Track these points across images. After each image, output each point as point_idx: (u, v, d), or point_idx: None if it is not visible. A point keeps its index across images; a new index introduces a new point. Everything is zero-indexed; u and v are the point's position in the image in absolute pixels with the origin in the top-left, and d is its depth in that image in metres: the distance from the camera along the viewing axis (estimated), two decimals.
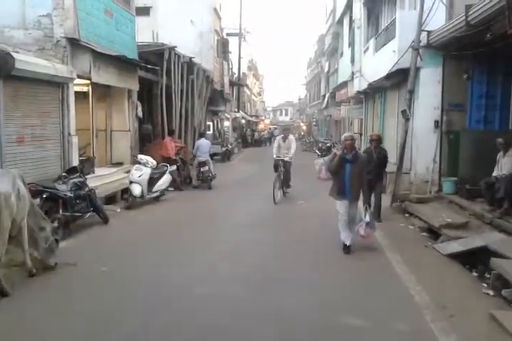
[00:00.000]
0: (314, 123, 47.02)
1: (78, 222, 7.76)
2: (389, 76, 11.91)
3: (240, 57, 33.33)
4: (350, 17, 20.71)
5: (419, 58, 10.10)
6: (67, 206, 7.29)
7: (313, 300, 4.93)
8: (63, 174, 7.90)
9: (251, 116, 49.04)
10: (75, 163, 9.06)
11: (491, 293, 5.14)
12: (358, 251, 6.69)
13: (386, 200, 9.59)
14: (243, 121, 40.57)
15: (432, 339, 4.08)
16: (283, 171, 10.82)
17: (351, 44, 19.81)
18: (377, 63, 13.97)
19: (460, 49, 9.39)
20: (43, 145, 8.45)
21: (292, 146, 11.31)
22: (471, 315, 4.57)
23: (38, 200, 6.50)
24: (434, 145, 10.35)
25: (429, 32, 9.97)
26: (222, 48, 27.15)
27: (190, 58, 16.62)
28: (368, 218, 6.81)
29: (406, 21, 11.09)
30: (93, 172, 10.03)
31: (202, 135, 14.69)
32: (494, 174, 7.97)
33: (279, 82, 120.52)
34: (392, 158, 10.35)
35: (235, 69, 33.80)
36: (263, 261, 6.30)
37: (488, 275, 5.57)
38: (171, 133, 14.00)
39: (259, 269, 5.92)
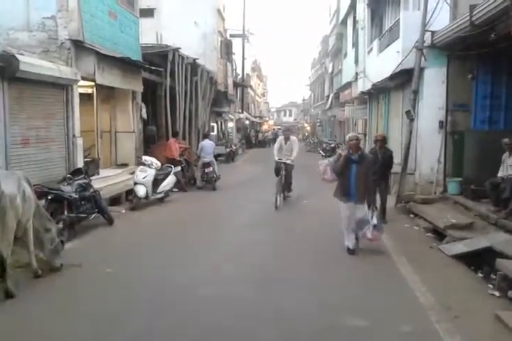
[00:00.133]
0: (318, 123, 47.00)
1: (83, 223, 7.78)
2: (393, 76, 11.88)
3: (243, 58, 33.38)
4: (354, 18, 20.68)
5: (423, 58, 10.08)
6: (72, 207, 7.32)
7: (316, 300, 4.92)
8: (68, 175, 7.94)
9: (255, 117, 49.05)
10: (80, 164, 9.09)
11: (497, 294, 5.12)
12: (363, 252, 6.66)
13: (391, 201, 9.56)
14: (247, 122, 40.60)
15: (437, 340, 4.06)
16: (284, 174, 10.40)
17: (355, 45, 19.79)
18: (381, 64, 13.95)
19: (464, 49, 9.35)
20: (47, 146, 8.48)
21: (295, 148, 10.84)
22: (477, 316, 4.55)
23: (43, 202, 6.54)
24: (439, 145, 10.31)
25: (433, 32, 9.95)
26: (226, 49, 27.18)
27: (194, 59, 16.67)
28: (374, 220, 6.56)
29: (410, 22, 11.07)
30: (98, 174, 10.05)
31: (206, 136, 14.71)
32: (500, 174, 7.94)
33: (282, 83, 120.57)
34: (397, 158, 10.31)
35: (239, 71, 33.84)
36: (267, 261, 6.30)
37: (494, 276, 5.54)
38: (175, 134, 14.03)
39: (264, 270, 5.91)
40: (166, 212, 10.10)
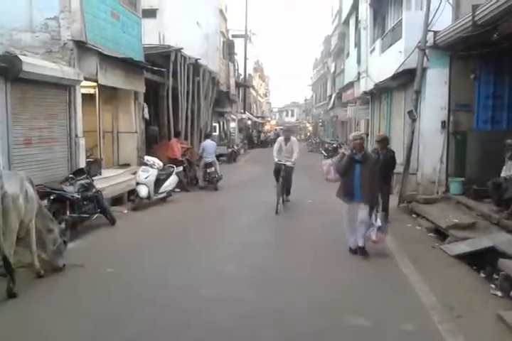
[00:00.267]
0: (320, 124, 46.94)
1: (85, 223, 7.80)
2: (395, 76, 11.87)
3: (245, 59, 33.40)
4: (356, 18, 20.67)
5: (425, 59, 10.08)
6: (75, 207, 7.33)
7: (318, 300, 4.92)
8: (70, 175, 7.96)
9: (257, 117, 49.06)
10: (82, 164, 9.09)
11: (499, 294, 5.11)
12: None
13: (393, 201, 9.56)
14: (249, 122, 40.61)
15: (439, 340, 4.06)
16: (283, 176, 9.94)
17: (357, 44, 19.77)
18: (383, 64, 13.93)
19: (467, 49, 9.35)
20: (50, 147, 8.49)
21: (295, 149, 10.38)
22: (479, 316, 4.55)
23: (45, 202, 6.54)
24: (441, 145, 10.30)
25: (435, 32, 9.93)
26: (228, 50, 27.19)
27: (196, 60, 16.67)
28: (378, 222, 6.41)
29: (412, 22, 11.06)
30: (100, 174, 10.07)
31: (207, 136, 14.72)
32: (502, 175, 7.92)
33: (285, 83, 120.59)
34: (399, 158, 10.30)
35: (241, 71, 33.85)
36: (269, 261, 6.30)
37: (496, 276, 5.53)
38: (177, 134, 14.05)
39: (265, 270, 5.92)
40: (168, 212, 10.11)
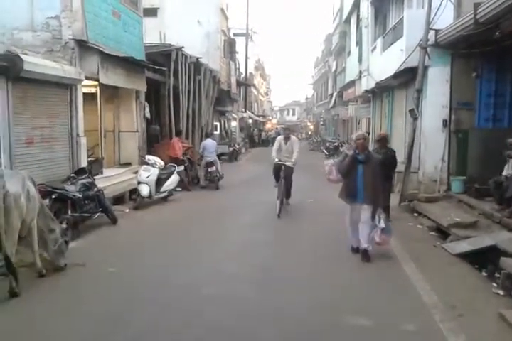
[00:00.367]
0: (321, 122, 46.94)
1: (87, 222, 7.81)
2: (397, 75, 11.86)
3: (246, 57, 33.34)
4: (358, 16, 20.65)
5: (427, 57, 10.07)
6: (76, 207, 7.34)
7: (319, 300, 4.92)
8: (72, 175, 7.97)
9: (258, 116, 49.03)
10: (84, 163, 9.11)
11: (501, 292, 5.10)
12: None
13: (394, 200, 9.55)
14: (250, 121, 40.58)
15: (440, 339, 4.05)
16: (283, 177, 9.51)
17: (359, 43, 19.75)
18: (384, 62, 13.92)
19: (468, 47, 9.33)
20: (51, 146, 8.50)
21: (295, 149, 9.89)
22: (481, 315, 4.54)
23: (47, 201, 6.54)
24: (443, 144, 10.29)
25: (437, 30, 9.92)
26: (229, 48, 27.18)
27: (197, 59, 16.65)
28: (382, 224, 6.25)
29: (414, 20, 11.05)
30: (101, 173, 10.08)
31: (207, 135, 14.73)
32: (504, 173, 7.91)
33: (286, 82, 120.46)
34: (401, 157, 10.29)
35: (242, 70, 33.81)
36: (270, 261, 6.30)
37: (498, 275, 5.52)
38: (178, 133, 14.06)
39: (266, 270, 5.92)
40: (169, 211, 10.12)
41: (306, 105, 74.35)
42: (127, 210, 9.68)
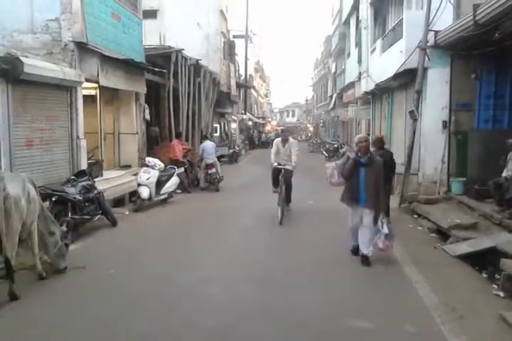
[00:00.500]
0: (321, 124, 46.95)
1: (87, 224, 7.81)
2: (396, 76, 11.87)
3: (246, 59, 33.35)
4: (357, 17, 20.67)
5: (426, 58, 10.08)
6: (76, 209, 7.34)
7: (321, 301, 4.92)
8: (72, 177, 7.98)
9: (258, 117, 49.08)
10: (84, 166, 9.10)
11: (501, 294, 5.11)
12: None
13: (394, 201, 9.54)
14: (250, 122, 40.61)
15: (441, 340, 4.05)
16: (283, 181, 9.06)
17: (358, 44, 19.77)
18: (384, 63, 13.93)
19: (468, 48, 9.34)
20: (51, 148, 8.50)
21: (293, 152, 9.46)
22: (481, 317, 4.54)
23: (47, 203, 6.55)
24: (443, 145, 10.30)
25: (436, 32, 9.94)
26: (229, 50, 27.19)
27: (197, 60, 16.67)
28: (386, 229, 6.10)
29: (413, 21, 11.05)
30: (101, 175, 10.07)
31: (206, 137, 14.74)
32: (504, 174, 7.91)
33: (285, 83, 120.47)
34: (400, 158, 10.29)
35: (242, 71, 33.83)
36: (270, 263, 6.30)
37: (498, 277, 5.53)
38: (178, 135, 14.05)
39: (267, 272, 5.91)
40: (169, 213, 10.11)
41: (305, 107, 74.35)
42: (127, 212, 9.68)
